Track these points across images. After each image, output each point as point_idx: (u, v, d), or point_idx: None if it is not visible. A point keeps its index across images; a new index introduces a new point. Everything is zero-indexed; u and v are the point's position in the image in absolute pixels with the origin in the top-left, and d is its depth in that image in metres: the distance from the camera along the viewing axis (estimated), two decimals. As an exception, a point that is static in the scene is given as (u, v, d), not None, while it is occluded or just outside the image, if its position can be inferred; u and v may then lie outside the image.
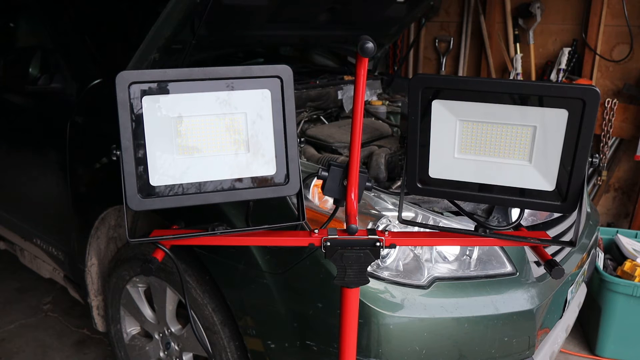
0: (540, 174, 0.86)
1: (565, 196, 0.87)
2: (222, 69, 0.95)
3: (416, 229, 1.20)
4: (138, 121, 0.93)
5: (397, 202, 1.48)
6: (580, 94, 0.80)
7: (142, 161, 0.95)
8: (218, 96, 0.96)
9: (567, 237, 1.80)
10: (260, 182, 1.01)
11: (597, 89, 0.80)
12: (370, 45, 0.89)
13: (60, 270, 2.40)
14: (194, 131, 0.97)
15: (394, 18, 2.60)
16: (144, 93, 0.93)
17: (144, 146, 0.95)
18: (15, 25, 2.58)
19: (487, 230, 1.04)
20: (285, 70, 0.98)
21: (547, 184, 0.87)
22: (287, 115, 0.99)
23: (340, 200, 1.09)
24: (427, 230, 1.16)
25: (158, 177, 0.96)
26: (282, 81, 0.98)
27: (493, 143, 0.88)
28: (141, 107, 0.93)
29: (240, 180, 1.00)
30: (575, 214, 1.24)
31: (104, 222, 2.01)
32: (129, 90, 0.92)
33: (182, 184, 0.98)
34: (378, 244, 1.04)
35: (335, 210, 1.14)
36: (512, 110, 0.85)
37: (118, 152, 0.94)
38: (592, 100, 0.81)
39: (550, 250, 1.68)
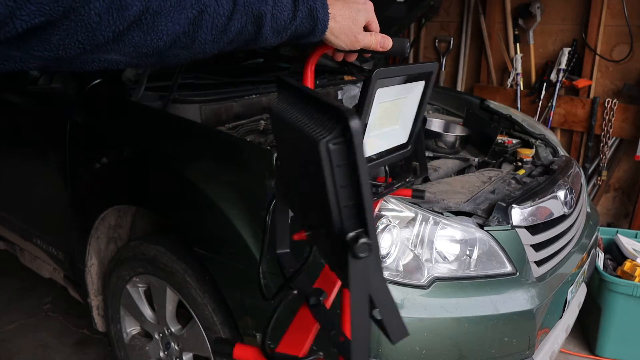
0: (403, 132, 1.08)
1: (409, 141, 1.10)
2: None
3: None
4: None
5: (398, 202, 1.48)
6: (432, 68, 1.02)
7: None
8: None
9: (566, 238, 1.80)
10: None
11: (435, 63, 1.02)
12: (407, 45, 0.96)
13: (60, 270, 2.40)
14: None
15: (394, 18, 2.60)
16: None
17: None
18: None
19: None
20: None
21: (405, 138, 1.09)
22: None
23: None
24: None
25: None
26: None
27: (386, 116, 1.05)
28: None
29: None
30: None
31: (104, 222, 2.01)
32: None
33: None
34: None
35: None
36: (403, 88, 1.03)
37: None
38: (434, 70, 1.03)
39: (550, 249, 1.69)
